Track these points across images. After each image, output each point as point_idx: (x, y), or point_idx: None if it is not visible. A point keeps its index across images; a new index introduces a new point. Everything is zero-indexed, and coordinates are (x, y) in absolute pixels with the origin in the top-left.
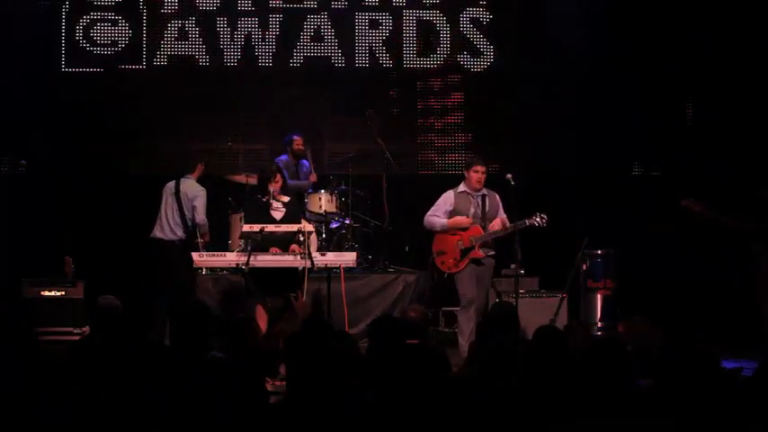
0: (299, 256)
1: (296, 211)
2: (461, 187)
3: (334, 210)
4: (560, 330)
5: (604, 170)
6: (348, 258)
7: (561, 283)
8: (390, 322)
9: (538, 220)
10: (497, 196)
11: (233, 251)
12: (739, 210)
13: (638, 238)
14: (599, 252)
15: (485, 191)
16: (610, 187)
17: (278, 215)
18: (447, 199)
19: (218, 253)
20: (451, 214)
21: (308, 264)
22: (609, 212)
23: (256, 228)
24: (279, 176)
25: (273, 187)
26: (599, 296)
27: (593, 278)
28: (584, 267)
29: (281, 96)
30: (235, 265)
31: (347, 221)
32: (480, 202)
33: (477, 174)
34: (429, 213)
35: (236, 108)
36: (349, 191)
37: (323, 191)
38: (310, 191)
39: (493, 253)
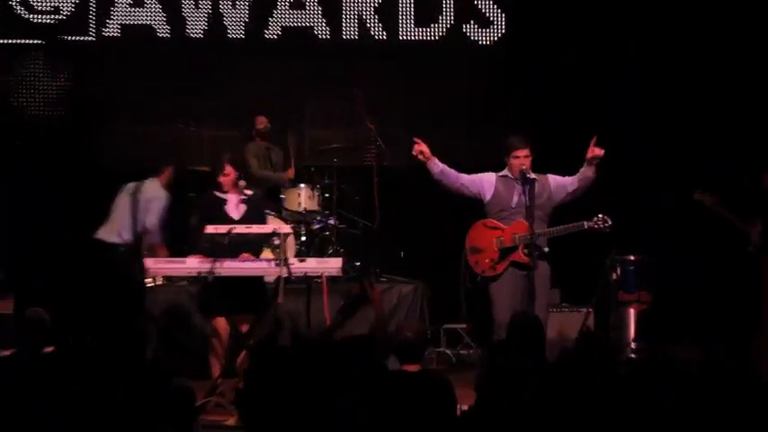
0: (273, 263)
1: (259, 209)
2: (504, 172)
3: (315, 207)
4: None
5: (634, 163)
6: (332, 265)
7: (587, 296)
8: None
9: (600, 223)
10: (552, 178)
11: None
12: (745, 210)
13: (678, 243)
14: (632, 258)
15: (533, 175)
16: (642, 182)
17: (236, 213)
18: (486, 180)
19: (177, 259)
20: (490, 204)
21: (284, 272)
22: (643, 211)
23: (222, 229)
24: (229, 167)
25: (223, 180)
26: (632, 311)
27: (626, 289)
28: (615, 277)
29: (254, 74)
30: (196, 274)
31: (331, 221)
32: (527, 189)
33: (519, 160)
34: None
35: (200, 87)
36: (334, 185)
37: (303, 185)
38: (286, 185)
39: (546, 250)
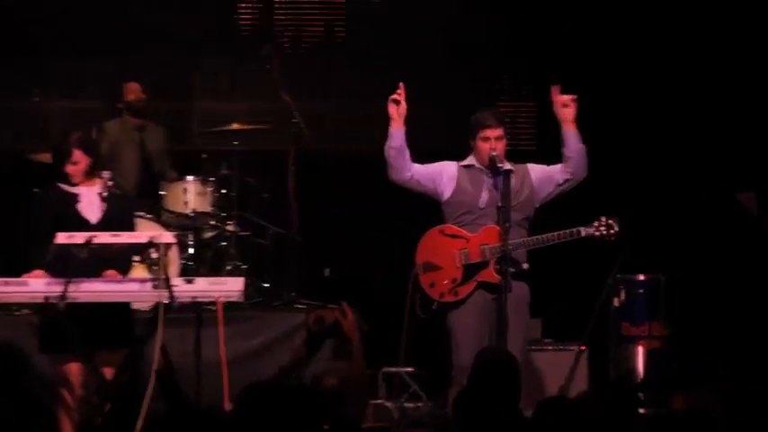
0: (148, 285)
1: (125, 210)
2: (469, 159)
3: (208, 208)
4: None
5: (645, 156)
6: (230, 288)
7: (578, 329)
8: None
9: (603, 229)
10: (534, 168)
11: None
12: None
13: (704, 257)
14: (640, 279)
15: (509, 164)
16: (655, 179)
17: (92, 215)
18: (446, 171)
19: (14, 279)
20: (451, 204)
21: (165, 296)
22: (655, 217)
23: (79, 237)
24: (78, 152)
25: (71, 171)
26: (641, 349)
27: (632, 320)
28: (617, 303)
29: (119, 26)
30: (43, 300)
31: (230, 227)
32: (500, 183)
33: (488, 143)
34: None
35: (46, 43)
36: (233, 178)
37: (190, 178)
38: (168, 178)
39: (525, 267)
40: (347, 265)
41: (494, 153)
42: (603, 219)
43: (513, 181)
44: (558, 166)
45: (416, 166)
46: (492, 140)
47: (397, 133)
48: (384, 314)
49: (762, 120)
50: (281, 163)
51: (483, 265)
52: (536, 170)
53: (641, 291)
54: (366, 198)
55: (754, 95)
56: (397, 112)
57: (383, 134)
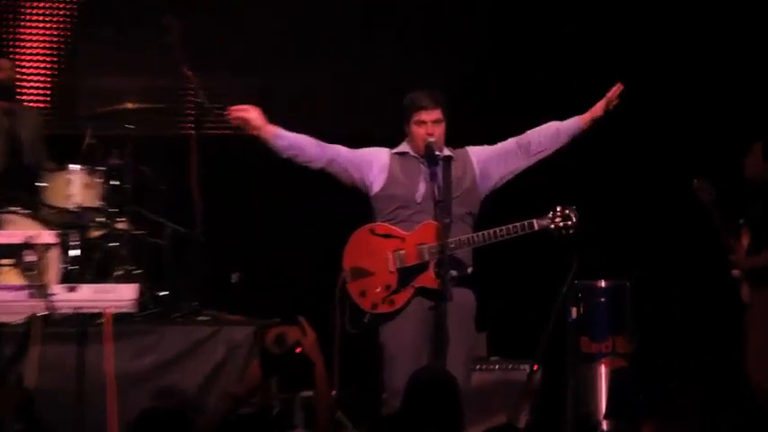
0: (23, 293)
1: None
2: (402, 146)
3: (95, 204)
4: None
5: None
6: (121, 296)
7: (531, 346)
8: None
9: (559, 221)
10: (476, 152)
11: None
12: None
13: (672, 258)
14: (602, 285)
15: (448, 151)
16: (618, 174)
17: None
18: (376, 159)
19: None
20: (382, 198)
21: (43, 306)
22: (617, 215)
23: None
24: None
25: None
26: (603, 369)
27: (593, 335)
28: (575, 315)
29: None
30: None
31: (121, 225)
32: (439, 173)
33: (424, 127)
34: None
35: None
36: (126, 167)
37: (76, 167)
38: (46, 169)
39: (470, 271)
40: (260, 270)
41: (430, 139)
42: (560, 208)
43: (454, 170)
44: (511, 143)
45: (340, 149)
46: (428, 124)
47: (272, 139)
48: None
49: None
50: (182, 150)
51: (421, 267)
52: (478, 153)
53: (603, 299)
54: (284, 191)
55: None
56: (250, 126)
57: (306, 114)
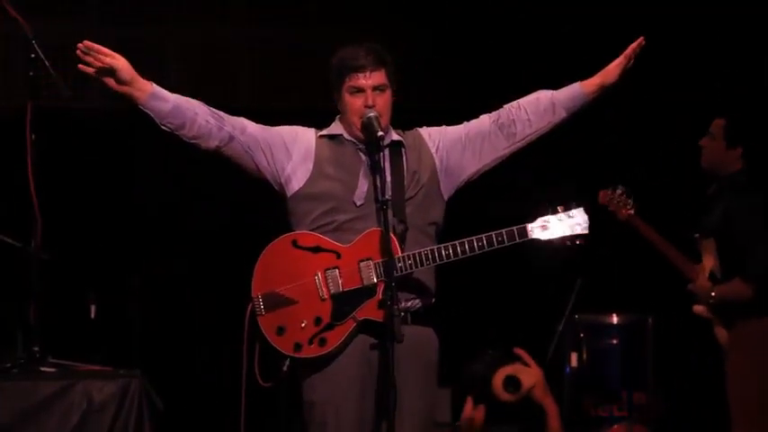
0: None
1: None
2: (333, 127)
3: None
4: None
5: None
6: None
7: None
8: None
9: (558, 221)
10: (432, 134)
11: None
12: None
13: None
14: (613, 321)
15: (396, 134)
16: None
17: None
18: (299, 141)
19: None
20: (305, 197)
21: None
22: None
23: None
24: None
25: None
26: None
27: (601, 391)
28: (574, 363)
29: None
30: None
31: None
32: (386, 163)
33: (361, 96)
34: None
35: None
36: None
37: None
38: None
39: (418, 305)
40: (130, 300)
41: (369, 114)
42: (561, 208)
43: (407, 157)
44: (485, 121)
45: (245, 123)
46: (368, 92)
47: (148, 101)
48: (195, 380)
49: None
50: (13, 129)
51: (364, 293)
52: (437, 137)
53: (615, 341)
54: (163, 185)
55: None
56: (117, 72)
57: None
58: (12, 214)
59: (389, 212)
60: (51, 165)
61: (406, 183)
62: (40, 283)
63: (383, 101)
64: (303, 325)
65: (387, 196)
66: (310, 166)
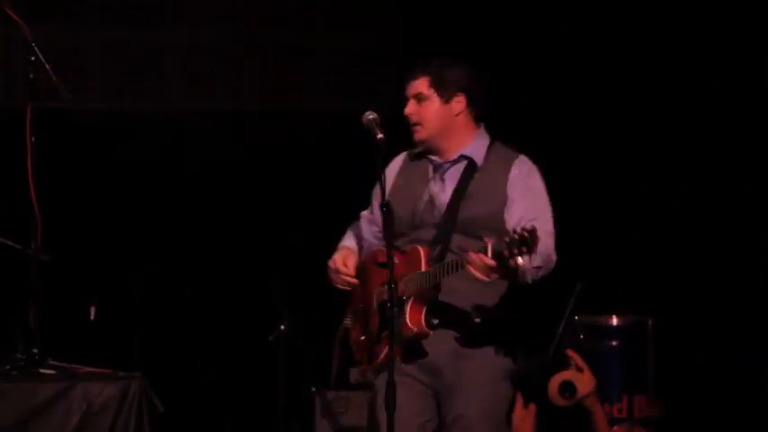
0: None
1: None
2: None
3: None
4: None
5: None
6: None
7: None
8: None
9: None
10: (512, 178)
11: None
12: None
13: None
14: (613, 323)
15: (474, 149)
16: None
17: None
18: (388, 175)
19: None
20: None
21: None
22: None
23: None
24: None
25: None
26: None
27: (600, 394)
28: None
29: None
30: None
31: None
32: (450, 180)
33: (407, 105)
34: None
35: None
36: None
37: None
38: None
39: (477, 320)
40: (130, 301)
41: (370, 116)
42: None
43: (477, 179)
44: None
45: (365, 223)
46: (409, 102)
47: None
48: (195, 382)
49: None
50: (13, 131)
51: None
52: (515, 182)
53: (615, 342)
54: (163, 185)
55: None
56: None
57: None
58: (12, 216)
59: (433, 231)
60: (51, 166)
61: (461, 203)
62: (40, 284)
63: (423, 110)
64: (362, 338)
65: (441, 214)
66: (391, 183)
